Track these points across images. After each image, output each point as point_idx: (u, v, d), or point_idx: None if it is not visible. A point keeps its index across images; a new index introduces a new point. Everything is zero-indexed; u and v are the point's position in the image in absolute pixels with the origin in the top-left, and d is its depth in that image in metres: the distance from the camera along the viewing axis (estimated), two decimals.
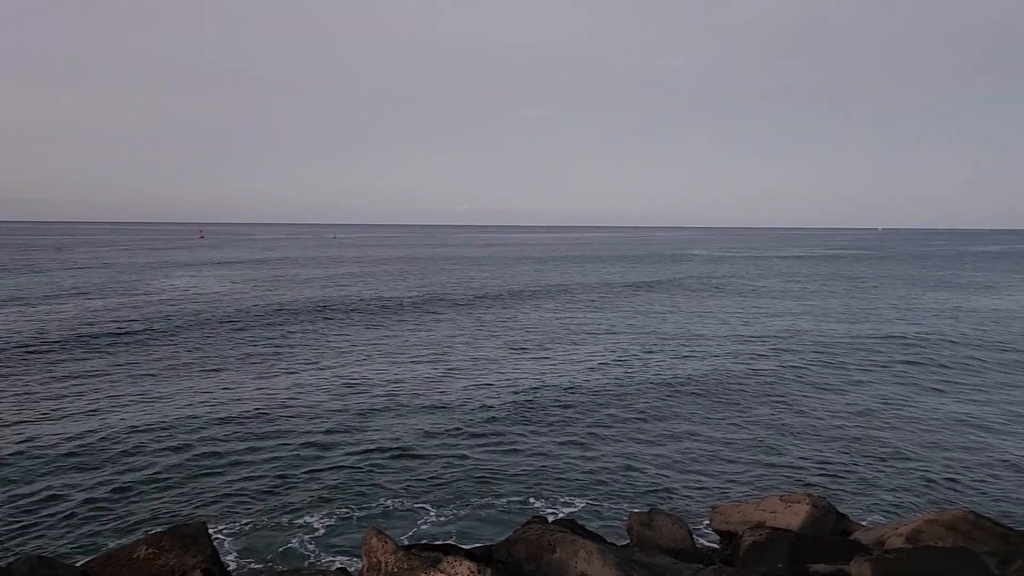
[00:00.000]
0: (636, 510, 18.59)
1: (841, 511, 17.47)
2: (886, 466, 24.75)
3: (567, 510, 20.83)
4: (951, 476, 23.90)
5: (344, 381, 35.85)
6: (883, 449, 26.50)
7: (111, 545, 17.74)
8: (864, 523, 18.02)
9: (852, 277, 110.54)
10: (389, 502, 21.36)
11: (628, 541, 16.72)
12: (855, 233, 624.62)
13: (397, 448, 25.95)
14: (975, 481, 23.52)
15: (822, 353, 45.11)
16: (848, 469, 24.45)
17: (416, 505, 21.23)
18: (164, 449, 25.25)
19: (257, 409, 30.35)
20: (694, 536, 16.89)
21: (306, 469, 23.72)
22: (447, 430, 28.16)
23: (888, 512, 20.68)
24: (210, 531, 15.34)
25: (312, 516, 20.22)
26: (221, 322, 54.17)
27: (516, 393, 34.00)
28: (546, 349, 45.69)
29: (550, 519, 16.94)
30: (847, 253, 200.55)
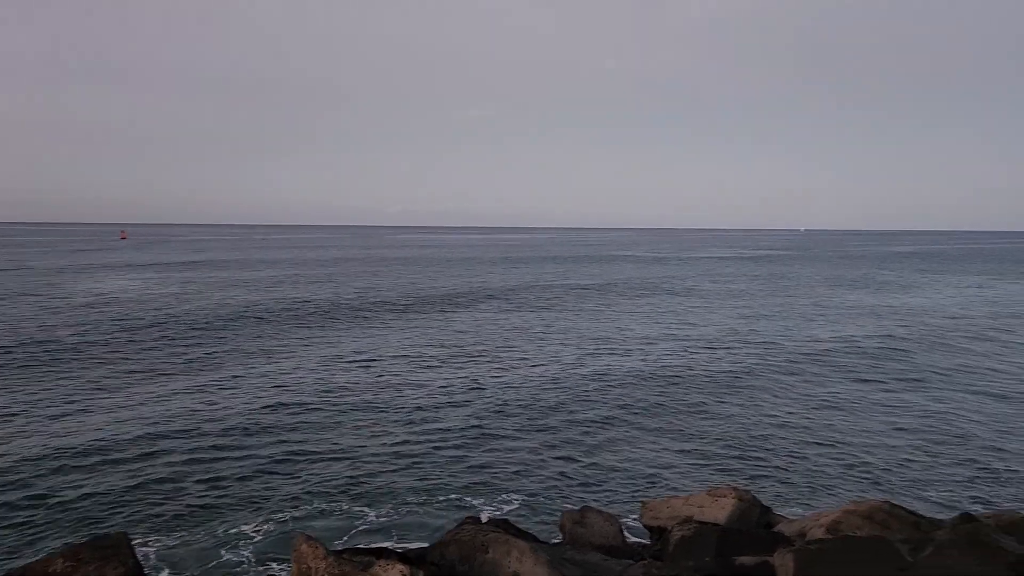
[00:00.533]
0: (569, 508, 18.78)
1: (766, 504, 17.96)
2: (808, 459, 25.57)
3: (502, 509, 20.92)
4: (868, 468, 24.84)
5: (277, 386, 35.20)
6: (805, 443, 27.36)
7: (28, 560, 17.06)
8: (787, 515, 18.55)
9: (778, 277, 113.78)
10: (325, 506, 21.09)
11: (561, 539, 16.87)
12: (780, 234, 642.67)
13: (332, 452, 25.63)
14: (890, 471, 24.49)
15: (750, 352, 46.28)
16: (773, 463, 25.18)
17: (352, 508, 21.01)
18: (86, 462, 24.29)
19: (185, 417, 29.55)
20: (625, 532, 17.13)
21: (239, 476, 23.21)
22: (382, 432, 27.95)
23: (810, 504, 21.38)
24: (135, 542, 14.87)
25: (246, 524, 19.80)
26: (144, 328, 52.50)
27: (450, 395, 33.95)
28: (480, 351, 45.70)
29: (484, 519, 16.99)
30: (774, 254, 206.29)
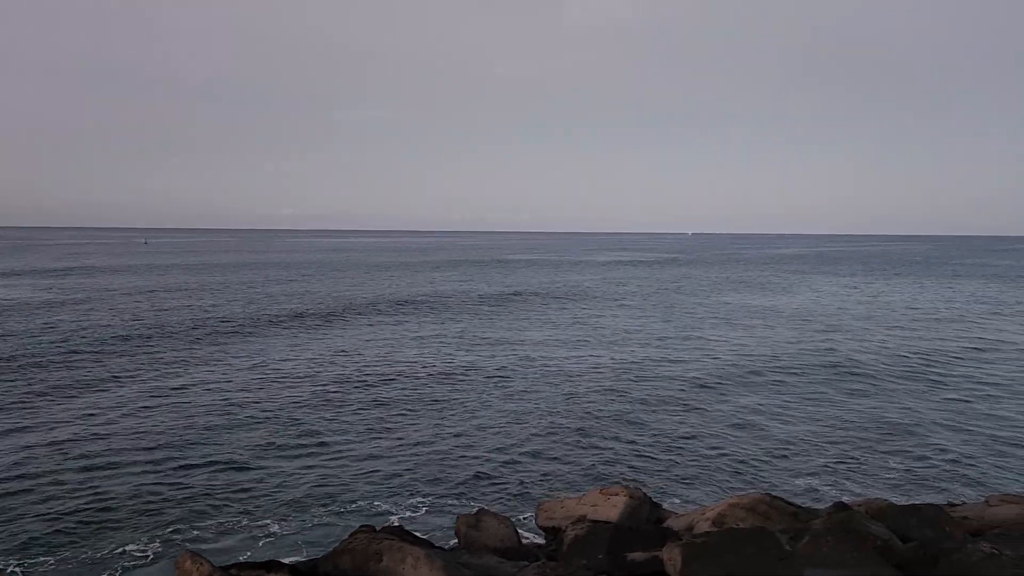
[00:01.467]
0: (464, 512, 18.77)
1: (656, 500, 18.48)
2: (695, 455, 26.45)
3: (397, 516, 20.69)
4: (751, 462, 25.92)
5: (164, 399, 33.71)
6: (691, 439, 28.30)
7: None
8: (676, 511, 19.13)
9: (668, 279, 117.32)
10: (216, 520, 20.31)
11: (456, 543, 16.84)
12: (670, 237, 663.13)
13: (224, 464, 24.74)
14: (771, 465, 25.63)
15: (640, 354, 47.48)
16: (662, 460, 25.91)
17: (244, 522, 20.30)
18: None
19: (73, 433, 27.93)
20: (520, 533, 17.26)
21: (129, 495, 22.02)
22: (274, 444, 27.18)
23: (698, 498, 22.12)
24: (9, 569, 13.91)
25: (135, 544, 18.81)
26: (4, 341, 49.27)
27: (344, 404, 33.36)
28: (368, 357, 45.13)
29: (379, 527, 16.77)
30: (664, 257, 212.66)
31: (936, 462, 26.00)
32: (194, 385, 36.15)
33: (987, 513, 16.53)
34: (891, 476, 24.61)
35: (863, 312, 71.11)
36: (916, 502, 18.88)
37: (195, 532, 19.61)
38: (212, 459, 25.29)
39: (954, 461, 26.09)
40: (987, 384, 38.58)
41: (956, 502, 19.96)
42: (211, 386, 35.96)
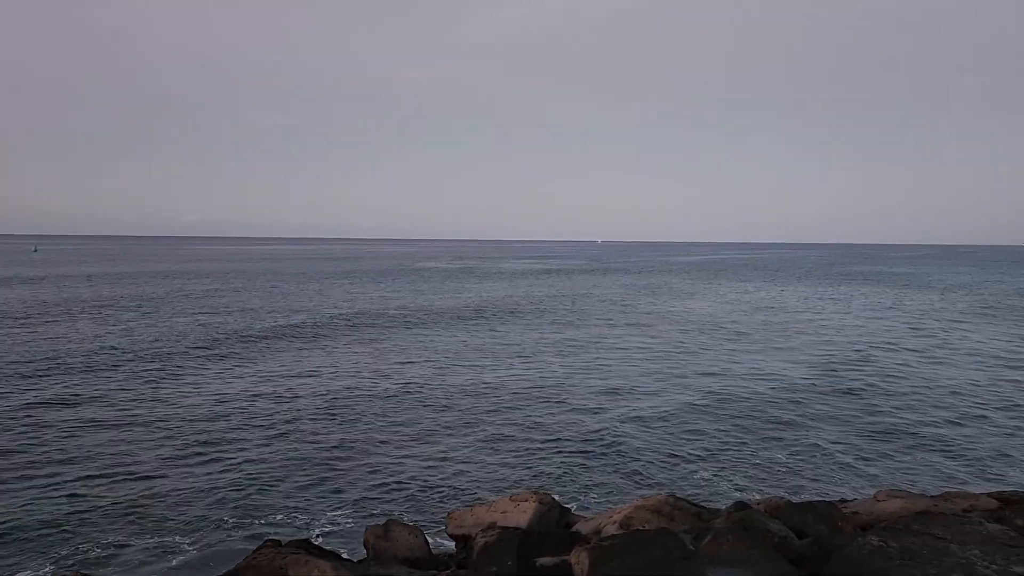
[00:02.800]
0: (373, 523, 18.54)
1: (565, 505, 18.70)
2: (603, 459, 26.91)
3: (304, 530, 20.25)
4: (657, 464, 26.55)
5: (55, 412, 32.00)
6: (599, 443, 28.78)
7: None
8: (585, 515, 19.41)
9: (580, 286, 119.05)
10: (112, 539, 19.36)
11: (366, 555, 16.62)
12: (580, 245, 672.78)
13: (121, 478, 23.66)
14: (676, 467, 26.32)
15: (548, 361, 48.00)
16: (571, 465, 26.25)
17: (142, 539, 19.43)
18: None
19: None
20: (431, 543, 17.16)
21: (14, 514, 20.75)
22: (175, 457, 26.18)
23: (606, 502, 22.50)
24: None
25: (23, 567, 17.77)
26: None
27: (242, 417, 32.45)
28: (274, 370, 44.12)
29: (285, 541, 16.38)
30: (574, 265, 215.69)
31: (829, 459, 27.23)
32: (92, 399, 34.47)
33: (875, 508, 17.42)
34: (788, 474, 25.64)
35: (761, 316, 73.85)
36: (811, 499, 19.74)
37: (91, 552, 18.69)
38: (110, 473, 24.17)
39: (844, 457, 27.39)
40: (871, 382, 40.64)
41: (848, 498, 20.98)
42: (107, 398, 34.37)
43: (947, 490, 20.28)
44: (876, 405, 35.90)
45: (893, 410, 34.90)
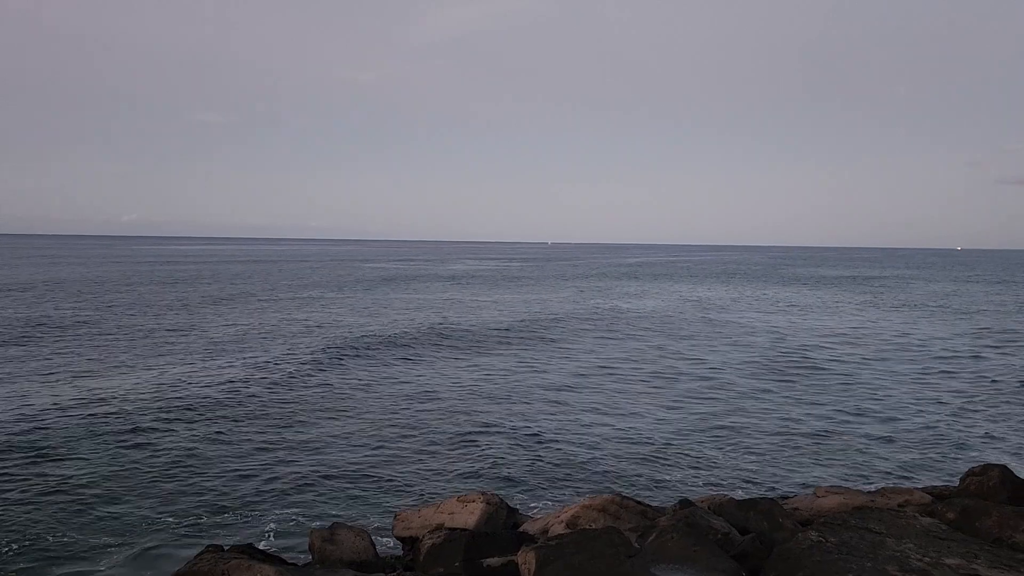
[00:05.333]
0: (318, 526, 18.32)
1: (512, 506, 18.73)
2: (549, 459, 27.02)
3: (247, 534, 19.87)
4: (604, 463, 26.78)
5: None
6: (547, 442, 28.91)
7: None
8: (533, 515, 19.49)
9: (521, 279, 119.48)
10: (46, 545, 18.70)
11: (311, 559, 16.41)
12: (529, 246, 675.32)
13: (54, 480, 22.87)
14: (622, 465, 26.57)
15: (488, 360, 48.04)
16: (518, 465, 26.30)
17: (75, 543, 18.82)
18: None
19: None
20: (377, 546, 17.04)
21: None
22: (108, 457, 25.44)
23: (553, 502, 22.60)
24: None
25: None
26: None
27: (180, 416, 31.75)
28: (209, 369, 43.29)
29: (227, 545, 16.09)
30: (524, 266, 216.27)
31: (771, 457, 27.80)
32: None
33: (815, 504, 17.87)
34: (731, 472, 26.09)
35: (703, 317, 75.08)
36: (754, 497, 20.14)
37: (20, 562, 18.04)
38: (40, 473, 23.39)
39: (786, 455, 28.01)
40: (812, 381, 41.65)
41: (789, 495, 21.46)
42: (22, 395, 33.29)
43: (883, 486, 20.92)
44: (817, 403, 36.79)
45: (833, 408, 35.81)
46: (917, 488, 19.06)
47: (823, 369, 46.27)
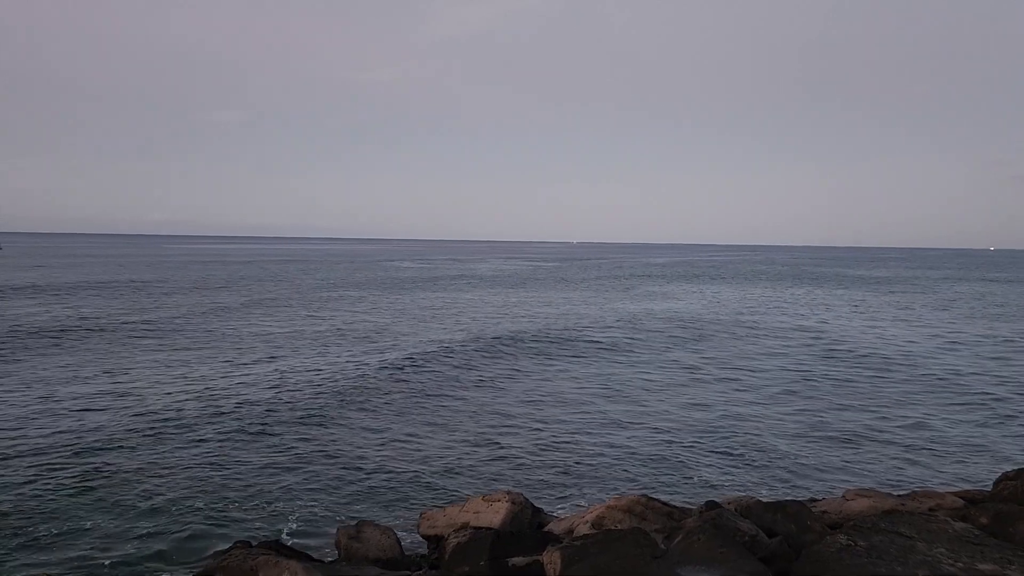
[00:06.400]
0: (344, 523, 18.45)
1: (538, 505, 18.73)
2: (575, 459, 26.98)
3: (275, 530, 20.07)
4: (630, 463, 26.67)
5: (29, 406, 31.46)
6: (572, 443, 28.86)
7: None
8: (558, 515, 19.47)
9: (551, 286, 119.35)
10: (79, 538, 19.04)
11: (337, 556, 16.54)
12: (556, 245, 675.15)
13: (84, 475, 23.27)
14: (648, 465, 26.45)
15: (516, 359, 48.02)
16: (544, 465, 26.29)
17: (108, 538, 19.14)
18: None
19: None
20: (402, 544, 17.13)
21: None
22: (137, 452, 25.82)
23: (578, 502, 22.56)
24: None
25: None
26: None
27: (215, 414, 32.12)
28: (250, 367, 43.74)
29: (256, 541, 16.27)
30: (552, 266, 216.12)
31: (799, 459, 27.52)
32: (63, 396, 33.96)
33: (844, 507, 17.66)
34: (758, 474, 25.87)
35: (733, 317, 74.51)
36: (781, 499, 19.94)
37: (51, 551, 18.36)
38: (72, 466, 23.78)
39: (814, 457, 27.71)
40: (840, 381, 41.16)
41: (817, 498, 21.21)
42: (65, 393, 33.86)
43: (914, 489, 20.61)
44: (846, 405, 36.36)
45: (863, 410, 35.37)
46: (949, 492, 18.76)
47: (854, 370, 45.72)
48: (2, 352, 45.78)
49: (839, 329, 67.30)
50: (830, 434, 31.05)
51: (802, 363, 48.15)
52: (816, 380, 42.55)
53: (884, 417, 34.08)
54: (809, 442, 29.84)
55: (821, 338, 60.65)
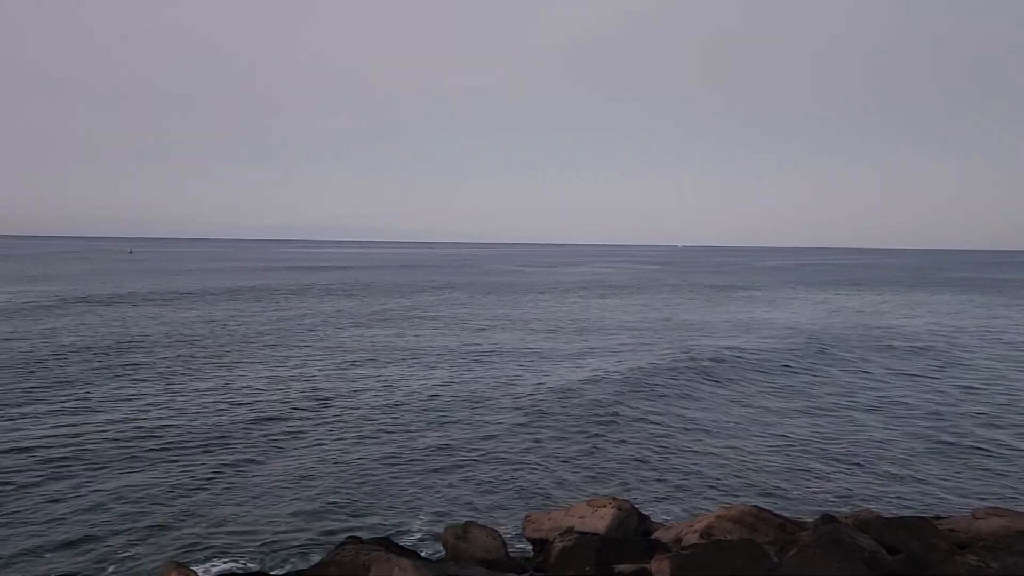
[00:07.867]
0: (452, 523, 18.69)
1: (644, 512, 18.45)
2: (681, 466, 26.46)
3: (384, 528, 20.58)
4: (738, 473, 25.95)
5: (163, 402, 33.51)
6: (679, 450, 28.32)
7: None
8: (664, 523, 19.11)
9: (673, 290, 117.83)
10: (193, 530, 20.15)
11: (444, 554, 16.77)
12: (660, 249, 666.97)
13: (208, 473, 24.58)
14: (758, 475, 25.66)
15: (641, 360, 47.51)
16: (650, 471, 25.91)
17: (230, 532, 20.14)
18: None
19: (63, 432, 27.69)
20: (508, 546, 17.20)
21: (114, 499, 21.87)
22: (256, 457, 27.02)
23: (685, 511, 22.10)
24: None
25: (118, 550, 18.64)
26: None
27: (329, 411, 33.24)
28: (370, 367, 44.99)
29: (366, 538, 16.67)
30: (659, 269, 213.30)
31: (920, 473, 26.10)
32: (214, 389, 35.95)
33: (974, 526, 16.58)
34: (877, 487, 24.68)
35: (853, 322, 71.48)
36: (903, 514, 18.94)
37: (181, 541, 19.45)
38: (199, 467, 25.13)
39: (937, 471, 26.22)
40: (970, 394, 38.77)
41: (943, 515, 20.03)
42: (215, 393, 35.76)
43: None
44: (976, 418, 34.23)
45: (993, 424, 33.21)
46: None
47: (985, 381, 43.03)
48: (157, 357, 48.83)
49: (969, 336, 63.55)
50: (956, 449, 29.30)
51: (928, 373, 45.69)
52: (941, 390, 40.28)
53: (1020, 434, 31.88)
54: (932, 456, 28.23)
55: (948, 345, 57.42)
